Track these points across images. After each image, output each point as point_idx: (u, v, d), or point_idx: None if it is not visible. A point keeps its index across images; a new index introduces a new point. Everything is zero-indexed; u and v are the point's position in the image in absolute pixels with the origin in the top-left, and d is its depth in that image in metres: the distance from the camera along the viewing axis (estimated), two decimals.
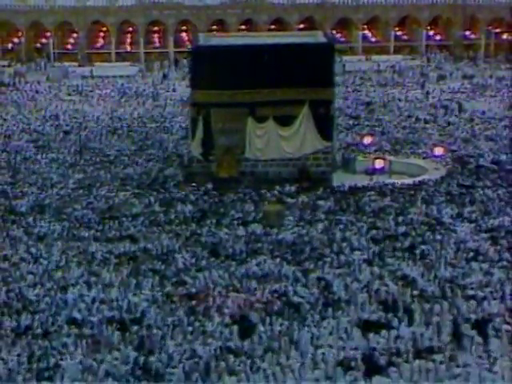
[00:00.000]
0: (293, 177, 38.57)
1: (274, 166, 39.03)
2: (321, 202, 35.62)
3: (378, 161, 41.26)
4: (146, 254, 29.52)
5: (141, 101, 62.76)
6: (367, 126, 52.91)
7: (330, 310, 24.39)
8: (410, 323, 23.47)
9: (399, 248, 29.78)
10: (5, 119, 56.06)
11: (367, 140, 46.59)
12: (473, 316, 23.80)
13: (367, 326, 23.32)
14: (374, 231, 31.64)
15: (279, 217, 33.17)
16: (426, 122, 54.13)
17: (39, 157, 45.11)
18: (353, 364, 21.38)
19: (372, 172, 40.42)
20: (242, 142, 38.86)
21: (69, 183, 39.34)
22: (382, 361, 21.51)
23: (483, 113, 56.76)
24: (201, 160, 39.41)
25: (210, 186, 38.00)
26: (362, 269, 27.71)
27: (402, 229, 31.93)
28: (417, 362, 21.36)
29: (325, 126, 39.16)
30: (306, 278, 26.96)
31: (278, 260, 28.63)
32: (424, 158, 44.13)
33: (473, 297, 25.23)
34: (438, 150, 44.21)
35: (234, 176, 38.68)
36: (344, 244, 30.20)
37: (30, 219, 33.60)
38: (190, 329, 23.15)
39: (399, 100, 61.52)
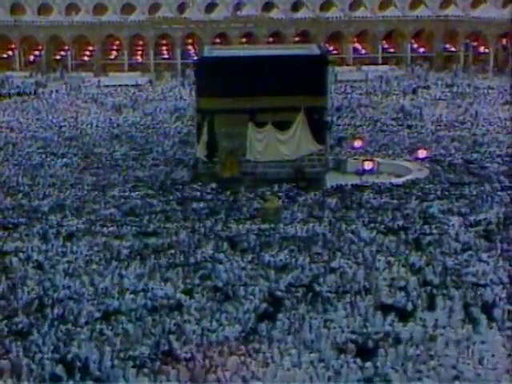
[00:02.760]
0: (290, 177, 38.49)
1: (272, 167, 38.95)
2: (326, 200, 35.57)
3: (367, 162, 41.15)
4: (168, 248, 29.31)
5: (142, 108, 62.29)
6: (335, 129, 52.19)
7: (348, 297, 24.29)
8: (431, 308, 23.51)
9: (403, 240, 29.80)
10: (11, 128, 54.90)
11: (357, 143, 46.46)
12: (480, 301, 23.87)
13: (388, 311, 23.19)
14: (377, 225, 31.61)
15: (277, 214, 33.08)
16: (393, 125, 53.94)
17: (52, 162, 44.53)
18: (345, 347, 21.35)
19: (362, 172, 40.31)
20: (244, 145, 38.79)
21: (84, 185, 38.98)
22: (372, 345, 21.47)
23: (441, 117, 56.81)
24: (206, 161, 39.35)
25: (214, 185, 37.95)
26: (375, 259, 27.63)
27: (400, 223, 31.97)
28: (401, 347, 21.33)
29: (319, 130, 39.12)
30: (324, 267, 26.87)
31: (293, 252, 28.50)
32: (400, 158, 44.21)
33: (477, 284, 25.25)
34: (422, 153, 44.13)
35: (236, 176, 38.61)
36: (353, 236, 30.21)
37: (54, 218, 33.23)
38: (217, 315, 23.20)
39: (366, 106, 61.25)
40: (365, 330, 22.19)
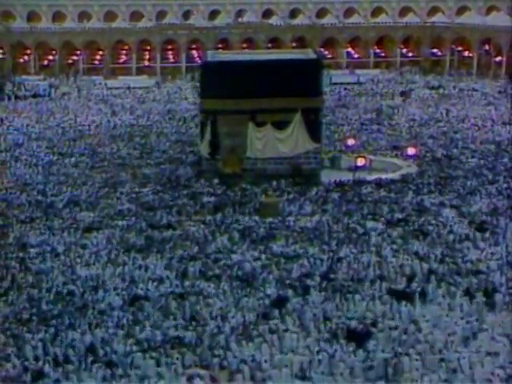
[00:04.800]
0: (287, 173, 38.43)
1: (271, 164, 38.89)
2: (330, 194, 35.55)
3: (359, 159, 40.97)
4: (182, 239, 29.29)
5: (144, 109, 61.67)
6: None
7: (361, 283, 24.42)
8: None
9: (405, 230, 29.82)
10: (17, 129, 53.89)
11: (351, 142, 46.28)
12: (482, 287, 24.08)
13: (399, 296, 23.26)
14: (377, 217, 31.66)
15: (275, 208, 33.01)
16: (371, 124, 53.74)
17: (59, 160, 44.00)
18: (339, 332, 21.31)
19: (355, 169, 40.16)
20: (244, 143, 38.72)
21: (95, 182, 38.66)
22: (365, 330, 21.42)
23: (414, 115, 56.60)
24: (209, 159, 39.27)
25: (216, 180, 37.87)
26: (382, 247, 27.72)
27: (399, 215, 31.99)
28: (393, 331, 21.27)
29: (314, 129, 39.06)
30: (333, 257, 26.87)
31: (302, 242, 28.49)
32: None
33: (478, 271, 25.42)
34: (411, 150, 43.98)
35: (237, 172, 38.54)
36: (358, 227, 30.16)
37: (70, 213, 33.10)
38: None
39: (345, 106, 61.01)
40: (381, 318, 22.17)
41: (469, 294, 23.54)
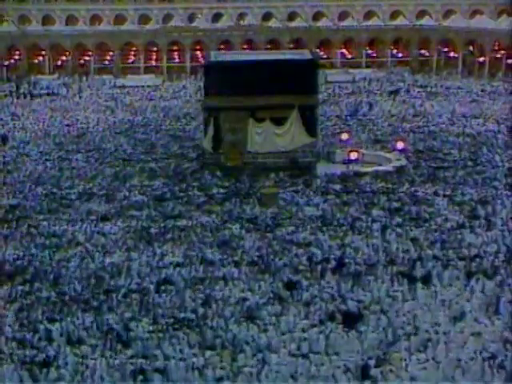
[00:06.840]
0: (285, 166, 38.34)
1: (270, 158, 38.80)
2: (331, 185, 35.42)
3: (352, 153, 40.78)
4: (195, 228, 29.10)
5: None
6: None
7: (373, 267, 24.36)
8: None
9: (405, 218, 29.77)
10: (23, 127, 52.84)
11: (344, 136, 46.05)
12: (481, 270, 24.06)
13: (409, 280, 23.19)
14: (377, 206, 31.54)
15: (275, 198, 32.91)
16: (352, 120, 53.38)
17: (70, 156, 43.24)
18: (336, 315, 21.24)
19: (348, 162, 40.01)
20: (245, 138, 38.62)
21: (105, 176, 38.19)
22: (357, 312, 21.32)
23: (390, 112, 56.28)
24: (212, 153, 39.17)
25: (218, 173, 37.74)
26: (386, 234, 27.63)
27: (396, 204, 31.93)
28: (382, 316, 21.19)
29: (311, 125, 38.97)
30: (343, 243, 26.79)
31: (309, 230, 28.34)
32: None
33: (476, 255, 25.39)
34: (400, 144, 43.75)
35: (238, 165, 38.45)
36: (361, 215, 30.11)
37: (86, 205, 32.83)
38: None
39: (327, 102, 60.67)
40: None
41: (471, 276, 23.49)
